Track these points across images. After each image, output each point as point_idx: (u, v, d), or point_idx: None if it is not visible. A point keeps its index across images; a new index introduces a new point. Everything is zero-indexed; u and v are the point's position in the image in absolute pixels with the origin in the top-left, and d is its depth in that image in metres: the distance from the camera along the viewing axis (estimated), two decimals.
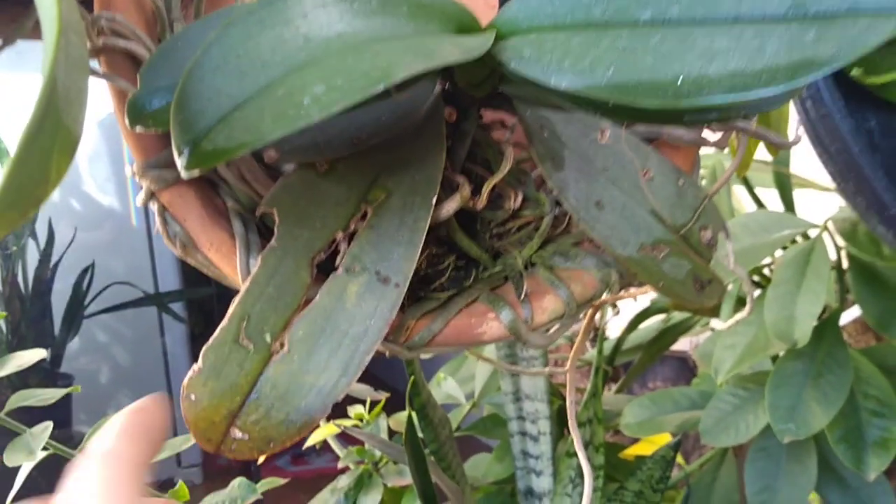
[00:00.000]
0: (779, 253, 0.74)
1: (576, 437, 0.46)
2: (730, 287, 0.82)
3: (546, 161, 0.34)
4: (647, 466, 0.74)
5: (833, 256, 0.64)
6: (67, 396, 0.90)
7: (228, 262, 0.31)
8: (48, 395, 0.85)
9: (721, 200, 0.88)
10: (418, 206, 0.32)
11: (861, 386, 0.62)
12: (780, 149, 0.38)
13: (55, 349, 1.99)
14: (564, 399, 0.63)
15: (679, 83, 0.24)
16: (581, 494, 0.72)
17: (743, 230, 0.67)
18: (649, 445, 0.90)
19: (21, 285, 1.92)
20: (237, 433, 0.30)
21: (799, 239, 0.71)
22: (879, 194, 0.37)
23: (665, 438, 0.86)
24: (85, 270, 2.04)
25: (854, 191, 0.39)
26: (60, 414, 1.91)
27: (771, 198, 0.89)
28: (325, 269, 0.32)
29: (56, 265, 1.98)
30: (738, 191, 0.97)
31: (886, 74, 0.41)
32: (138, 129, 0.27)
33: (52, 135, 0.21)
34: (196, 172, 0.23)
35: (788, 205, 0.84)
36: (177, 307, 2.29)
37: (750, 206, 0.92)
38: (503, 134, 0.36)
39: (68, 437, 1.85)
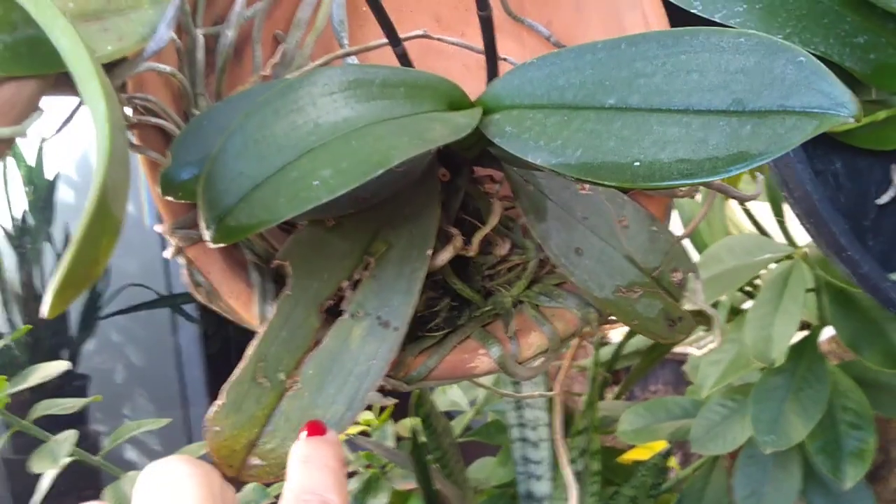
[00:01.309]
0: (773, 266, 0.77)
1: (561, 454, 0.50)
2: (723, 297, 0.86)
3: (530, 213, 0.37)
4: (641, 474, 0.77)
5: (812, 278, 0.67)
6: (84, 395, 0.95)
7: (247, 309, 0.35)
8: (70, 404, 0.89)
9: (715, 216, 0.91)
10: (415, 258, 0.36)
11: (839, 399, 0.66)
12: (741, 201, 0.41)
13: (71, 350, 2.03)
14: (564, 407, 0.67)
15: (636, 166, 0.28)
16: (579, 499, 0.75)
17: (728, 253, 0.70)
18: (646, 450, 0.93)
19: (38, 287, 1.97)
20: (255, 460, 0.34)
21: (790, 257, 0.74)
22: (838, 238, 0.41)
23: (662, 444, 0.89)
24: None
25: (816, 233, 0.43)
26: (77, 413, 1.95)
27: (765, 210, 0.92)
28: (332, 313, 0.35)
29: None
30: (734, 203, 1.00)
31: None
32: (169, 198, 0.31)
33: (102, 223, 0.24)
34: (221, 244, 0.27)
35: (779, 217, 0.87)
36: (189, 308, 2.33)
37: (744, 218, 0.95)
38: (493, 187, 0.40)
39: (85, 436, 1.90)
